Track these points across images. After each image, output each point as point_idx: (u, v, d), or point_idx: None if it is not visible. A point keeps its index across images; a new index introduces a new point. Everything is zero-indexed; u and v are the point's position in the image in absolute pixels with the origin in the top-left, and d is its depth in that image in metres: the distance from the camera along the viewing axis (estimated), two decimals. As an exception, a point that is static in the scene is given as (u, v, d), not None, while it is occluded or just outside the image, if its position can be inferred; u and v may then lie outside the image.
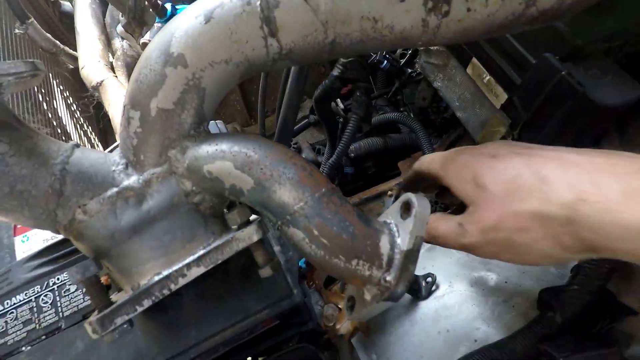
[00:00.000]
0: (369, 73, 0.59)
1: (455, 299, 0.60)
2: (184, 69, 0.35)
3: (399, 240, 0.34)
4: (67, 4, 1.59)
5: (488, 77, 0.59)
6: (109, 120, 0.93)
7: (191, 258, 0.36)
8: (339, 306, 0.76)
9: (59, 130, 1.13)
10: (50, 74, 1.26)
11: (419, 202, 0.34)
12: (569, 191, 0.31)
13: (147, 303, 0.34)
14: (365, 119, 0.59)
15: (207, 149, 0.36)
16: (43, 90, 1.17)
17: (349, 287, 0.41)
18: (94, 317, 0.33)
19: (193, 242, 0.37)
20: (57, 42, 1.02)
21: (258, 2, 0.34)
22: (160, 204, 0.36)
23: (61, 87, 1.31)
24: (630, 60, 0.48)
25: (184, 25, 0.35)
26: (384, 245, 0.34)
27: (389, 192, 0.85)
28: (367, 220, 0.35)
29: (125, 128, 0.36)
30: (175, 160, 0.36)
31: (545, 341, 0.47)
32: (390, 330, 0.64)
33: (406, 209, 0.35)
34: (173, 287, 0.35)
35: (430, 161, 0.41)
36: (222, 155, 0.35)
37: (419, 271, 0.66)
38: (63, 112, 1.25)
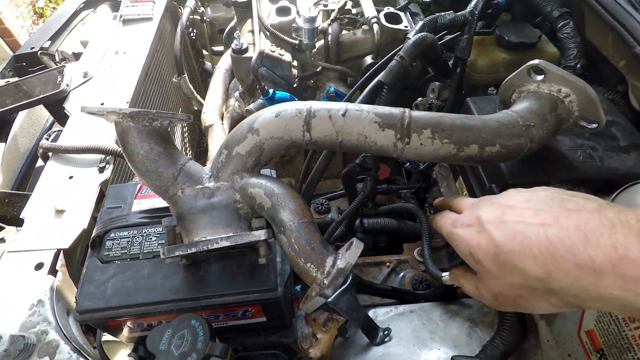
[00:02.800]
0: (378, 166, 0.84)
1: (398, 352, 0.76)
2: (257, 136, 0.64)
3: (338, 262, 0.56)
4: (209, 63, 2.18)
5: (465, 192, 0.80)
6: (201, 151, 1.30)
7: (224, 235, 0.62)
8: (318, 336, 0.94)
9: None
10: (180, 109, 1.76)
11: (355, 244, 0.56)
12: (539, 268, 0.38)
13: (193, 249, 0.60)
14: (369, 197, 0.83)
15: (254, 180, 0.63)
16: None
17: (308, 291, 0.63)
18: (166, 247, 0.60)
19: (229, 228, 0.63)
20: (194, 91, 1.47)
21: (304, 113, 0.63)
22: (220, 201, 0.64)
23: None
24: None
25: (264, 115, 0.65)
26: (329, 261, 0.56)
27: (387, 263, 1.04)
28: (326, 245, 0.58)
29: (217, 157, 0.66)
30: (236, 181, 0.64)
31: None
32: (345, 362, 0.81)
33: (349, 246, 0.57)
34: (210, 246, 0.60)
35: (438, 227, 0.55)
36: (260, 186, 0.62)
37: (382, 325, 0.83)
38: (178, 136, 1.71)
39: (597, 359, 0.51)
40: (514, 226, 0.40)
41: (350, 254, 0.56)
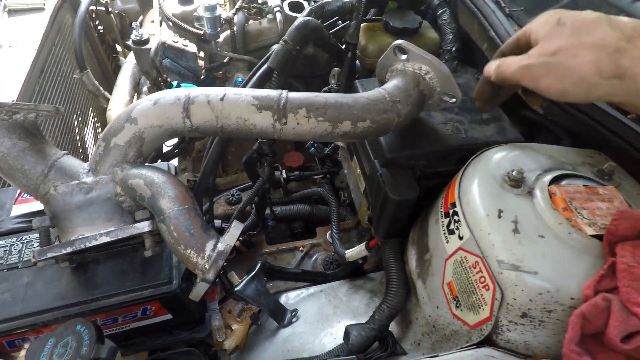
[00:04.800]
0: (274, 151, 0.86)
1: (303, 330, 0.78)
2: (136, 126, 0.62)
3: (219, 245, 0.57)
4: (123, 59, 2.06)
5: (358, 171, 0.85)
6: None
7: (104, 231, 0.59)
8: (233, 327, 0.94)
9: (80, 147, 1.48)
10: (90, 109, 1.65)
11: (234, 225, 0.57)
12: (631, 29, 0.40)
13: (69, 249, 0.57)
14: (269, 182, 0.85)
15: (135, 171, 0.62)
16: (80, 118, 1.54)
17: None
18: (37, 249, 0.57)
19: (109, 223, 0.61)
20: (100, 88, 1.39)
21: (183, 100, 0.62)
22: (100, 195, 0.61)
23: (95, 119, 1.69)
24: (428, 177, 0.72)
25: (143, 103, 0.63)
26: (209, 246, 0.57)
27: (301, 248, 1.07)
28: (206, 230, 0.58)
29: (96, 150, 0.63)
30: (116, 173, 0.62)
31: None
32: (255, 348, 0.82)
33: (228, 229, 0.58)
34: (88, 244, 0.58)
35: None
36: (140, 176, 0.60)
37: (293, 307, 0.86)
38: (90, 136, 1.61)
39: (455, 306, 0.57)
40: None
41: (229, 236, 0.56)
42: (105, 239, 0.59)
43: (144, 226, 0.61)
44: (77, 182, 0.61)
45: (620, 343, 0.41)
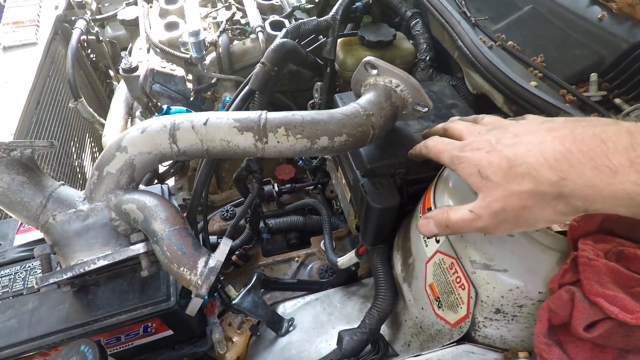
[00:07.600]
0: (261, 168, 0.89)
1: (299, 338, 0.81)
2: (126, 154, 0.66)
3: (210, 262, 0.60)
4: (117, 84, 2.12)
5: (344, 181, 0.88)
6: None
7: (101, 254, 0.63)
8: (234, 339, 0.97)
9: (79, 172, 1.53)
10: (87, 135, 1.70)
11: (224, 242, 0.60)
12: (553, 174, 0.38)
13: (70, 274, 0.61)
14: (259, 197, 0.88)
15: (127, 196, 0.65)
16: (77, 145, 1.59)
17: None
18: (39, 276, 0.60)
19: (106, 247, 0.64)
20: (95, 114, 1.44)
21: (169, 126, 0.66)
22: (96, 222, 0.65)
23: (93, 144, 1.74)
24: (409, 184, 0.76)
25: (131, 132, 0.67)
26: (201, 263, 0.60)
27: (296, 258, 1.10)
28: (197, 248, 0.62)
29: (90, 179, 0.67)
30: (110, 200, 0.66)
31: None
32: (255, 358, 0.85)
33: (218, 246, 0.61)
34: (87, 268, 0.61)
35: (437, 152, 0.52)
36: (133, 201, 0.64)
37: (288, 316, 0.88)
38: (88, 162, 1.65)
39: (437, 306, 0.60)
40: (528, 145, 0.41)
41: (219, 252, 0.60)
42: (103, 262, 0.62)
43: (139, 248, 0.64)
44: (74, 210, 0.65)
45: (584, 332, 0.44)
